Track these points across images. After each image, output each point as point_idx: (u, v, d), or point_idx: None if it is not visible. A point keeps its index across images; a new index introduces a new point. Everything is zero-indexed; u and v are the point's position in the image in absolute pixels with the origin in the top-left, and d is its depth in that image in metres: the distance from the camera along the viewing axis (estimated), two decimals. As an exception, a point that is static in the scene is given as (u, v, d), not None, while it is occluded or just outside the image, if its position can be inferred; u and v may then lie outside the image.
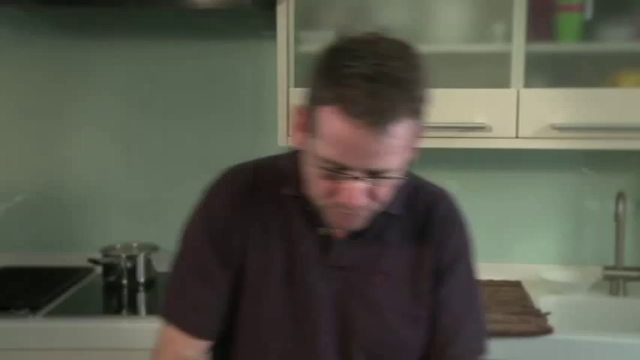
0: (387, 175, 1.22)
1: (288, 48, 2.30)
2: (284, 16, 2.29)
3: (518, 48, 2.24)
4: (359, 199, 1.23)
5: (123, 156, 2.68)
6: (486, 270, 2.53)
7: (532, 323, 2.13)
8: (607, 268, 2.48)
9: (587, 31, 2.30)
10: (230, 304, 1.38)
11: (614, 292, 2.47)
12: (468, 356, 1.44)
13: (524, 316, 2.19)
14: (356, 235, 1.36)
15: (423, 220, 1.41)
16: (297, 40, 2.32)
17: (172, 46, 2.48)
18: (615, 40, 2.28)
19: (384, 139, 1.17)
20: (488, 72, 2.34)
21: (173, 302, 1.40)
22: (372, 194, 1.24)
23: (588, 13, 2.31)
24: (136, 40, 2.63)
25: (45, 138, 2.73)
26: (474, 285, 1.46)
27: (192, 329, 1.37)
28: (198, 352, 1.38)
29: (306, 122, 1.24)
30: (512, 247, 2.65)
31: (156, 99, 2.66)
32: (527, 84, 2.25)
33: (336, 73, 1.17)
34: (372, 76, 1.15)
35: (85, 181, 2.70)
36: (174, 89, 2.64)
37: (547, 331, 2.09)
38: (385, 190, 1.25)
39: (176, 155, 2.67)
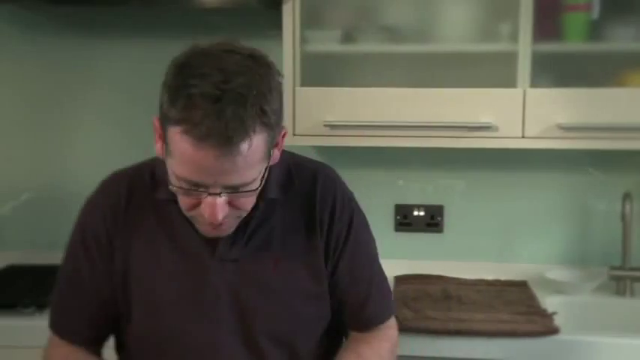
0: (245, 188, 1.22)
1: (294, 47, 2.30)
2: (290, 15, 2.29)
3: (525, 48, 2.24)
4: (220, 214, 1.23)
5: (127, 154, 2.67)
6: (492, 270, 2.56)
7: (538, 323, 2.13)
8: (613, 268, 2.47)
9: (594, 31, 2.29)
10: (122, 314, 1.40)
11: (620, 292, 2.47)
12: (381, 316, 1.48)
13: (531, 316, 2.19)
14: (241, 227, 1.36)
15: (306, 198, 1.41)
16: (303, 40, 2.32)
17: (177, 44, 2.43)
18: (622, 40, 2.27)
19: (233, 159, 1.17)
20: (495, 72, 2.33)
21: (52, 308, 1.46)
22: (233, 205, 1.25)
23: (595, 13, 2.30)
24: (140, 39, 2.64)
25: (49, 136, 2.74)
26: (370, 247, 1.47)
27: (63, 334, 1.43)
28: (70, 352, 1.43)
29: (162, 136, 1.24)
30: (519, 247, 2.64)
31: (161, 98, 2.66)
32: (534, 84, 2.25)
33: (180, 93, 1.15)
34: (215, 95, 1.14)
35: (91, 179, 2.69)
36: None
37: (553, 331, 2.09)
38: (247, 200, 1.26)
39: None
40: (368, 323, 1.46)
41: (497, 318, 2.17)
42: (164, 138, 1.22)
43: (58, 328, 1.43)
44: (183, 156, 1.17)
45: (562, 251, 2.62)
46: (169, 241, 1.36)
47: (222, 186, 1.20)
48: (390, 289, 1.50)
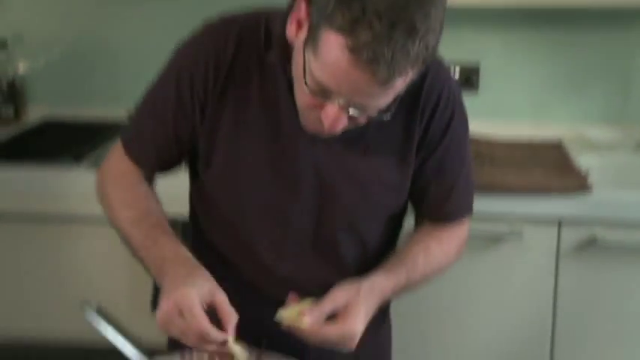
0: (375, 110, 1.18)
1: None
2: None
3: None
4: (338, 125, 1.18)
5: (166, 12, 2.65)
6: (527, 130, 2.54)
7: (571, 181, 2.13)
8: (652, 126, 2.44)
9: None
10: (201, 159, 1.38)
11: (657, 150, 2.43)
12: (459, 213, 1.45)
13: (564, 174, 2.18)
14: None
15: (411, 91, 1.30)
16: None
17: None
18: None
19: (384, 89, 1.12)
20: None
21: (130, 123, 1.45)
22: (353, 120, 1.19)
23: None
24: None
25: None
26: (464, 146, 1.42)
27: (132, 154, 1.42)
28: (134, 169, 1.43)
29: (309, 27, 1.15)
30: (556, 106, 2.60)
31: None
32: None
33: (353, 2, 1.06)
34: (391, 20, 1.05)
35: (126, 34, 2.69)
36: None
37: (586, 188, 2.09)
38: (367, 116, 1.20)
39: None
40: (445, 218, 1.44)
41: (531, 176, 2.16)
42: (312, 31, 1.13)
43: (128, 145, 1.42)
44: (334, 67, 1.10)
45: (601, 109, 2.58)
46: (266, 109, 1.32)
47: (355, 103, 1.15)
48: (472, 189, 1.46)
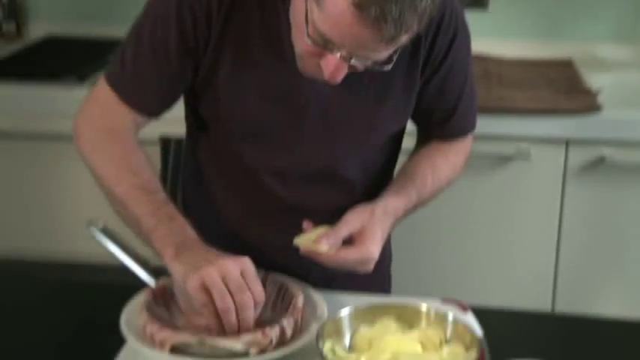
0: (376, 63, 1.15)
1: None
2: None
3: None
4: (339, 75, 1.15)
5: None
6: (537, 48, 2.50)
7: (580, 101, 2.10)
8: (664, 45, 2.40)
9: None
10: (200, 89, 1.33)
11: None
12: (463, 129, 1.45)
13: (573, 94, 2.15)
14: None
15: None
16: None
17: None
18: None
19: (388, 44, 1.09)
20: None
21: (118, 62, 1.33)
22: (353, 68, 1.15)
23: None
24: None
25: None
26: (467, 64, 1.40)
27: (129, 100, 1.32)
28: (128, 121, 1.33)
29: None
30: (566, 24, 2.55)
31: None
32: None
33: None
34: None
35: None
36: None
37: (596, 108, 2.07)
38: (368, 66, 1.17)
39: None
40: (450, 135, 1.44)
41: (538, 96, 2.14)
42: None
43: (124, 91, 1.32)
44: (338, 20, 1.07)
45: (612, 28, 2.53)
46: (268, 43, 1.28)
47: (358, 55, 1.12)
48: (476, 104, 1.45)
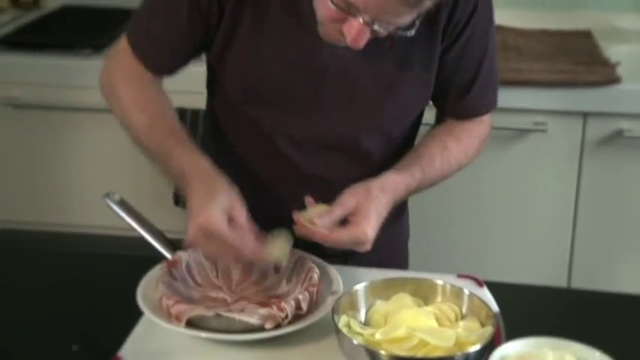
0: (397, 29, 1.13)
1: None
2: None
3: None
4: (362, 41, 1.13)
5: None
6: (554, 18, 2.47)
7: (599, 73, 2.08)
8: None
9: None
10: (216, 55, 1.33)
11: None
12: (478, 109, 1.41)
13: (592, 65, 2.13)
14: None
15: None
16: None
17: None
18: None
19: (410, 7, 1.08)
20: None
21: (135, 20, 1.37)
22: (375, 33, 1.14)
23: None
24: None
25: None
26: (487, 41, 1.36)
27: (142, 55, 1.35)
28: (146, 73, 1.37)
29: None
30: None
31: None
32: None
33: None
34: None
35: None
36: None
37: (615, 80, 2.04)
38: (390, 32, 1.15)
39: None
40: (464, 113, 1.41)
41: (557, 68, 2.12)
42: None
43: (139, 46, 1.35)
44: None
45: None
46: (287, 10, 1.26)
47: (381, 20, 1.11)
48: (495, 86, 1.41)
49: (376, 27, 1.12)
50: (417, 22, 1.15)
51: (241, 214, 1.17)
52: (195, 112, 1.95)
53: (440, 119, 1.44)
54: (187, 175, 1.23)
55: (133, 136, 1.33)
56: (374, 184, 1.26)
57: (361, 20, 1.11)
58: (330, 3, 1.12)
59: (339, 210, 1.22)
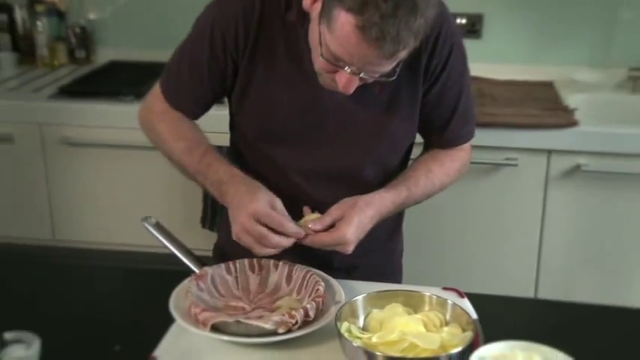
0: (382, 76, 1.14)
1: None
2: None
3: None
4: (351, 87, 1.14)
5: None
6: (523, 72, 2.47)
7: (560, 117, 2.07)
8: (632, 69, 2.36)
9: None
10: (235, 103, 1.34)
11: (636, 90, 2.36)
12: (458, 140, 1.40)
13: (555, 111, 2.12)
14: None
15: None
16: None
17: None
18: None
19: (390, 60, 1.09)
20: None
21: (166, 71, 1.38)
22: (363, 80, 1.15)
23: None
24: None
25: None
26: (463, 79, 1.35)
27: (171, 101, 1.36)
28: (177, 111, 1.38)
29: (323, 2, 1.10)
30: (547, 51, 2.51)
31: None
32: None
33: None
34: (394, 0, 1.01)
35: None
36: None
37: (574, 123, 2.04)
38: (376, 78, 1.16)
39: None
40: (446, 143, 1.40)
41: (526, 112, 2.11)
42: (325, 7, 1.09)
43: (167, 93, 1.37)
44: (344, 41, 1.07)
45: (587, 54, 2.49)
46: (292, 61, 1.27)
47: (365, 70, 1.12)
48: (472, 118, 1.41)
49: (362, 75, 1.12)
50: (398, 69, 1.15)
51: (281, 205, 1.20)
52: (218, 149, 1.94)
53: (427, 147, 1.44)
54: (226, 182, 1.25)
55: (175, 159, 1.35)
56: (361, 198, 1.26)
57: (349, 71, 1.12)
58: (321, 57, 1.13)
59: (328, 218, 1.23)
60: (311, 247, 1.23)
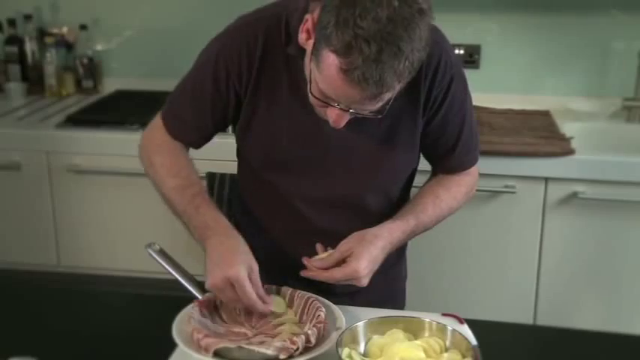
0: (372, 113, 1.14)
1: None
2: None
3: None
4: (341, 122, 1.15)
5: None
6: (520, 101, 2.48)
7: (557, 145, 2.07)
8: (627, 99, 2.37)
9: None
10: (239, 134, 1.35)
11: (631, 119, 2.37)
12: (462, 166, 1.40)
13: (551, 139, 2.13)
14: None
15: None
16: None
17: None
18: None
19: (375, 101, 1.09)
20: None
21: (168, 103, 1.38)
22: (355, 115, 1.15)
23: None
24: None
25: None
26: (465, 107, 1.35)
27: (172, 133, 1.36)
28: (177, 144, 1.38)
29: (314, 42, 1.10)
30: (544, 81, 2.52)
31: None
32: None
33: (348, 28, 1.01)
34: (379, 44, 1.01)
35: (184, 20, 2.65)
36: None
37: (570, 152, 2.04)
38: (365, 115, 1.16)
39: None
40: (452, 169, 1.40)
41: (522, 141, 2.11)
42: (315, 47, 1.10)
43: (169, 125, 1.37)
44: (331, 82, 1.08)
45: (582, 84, 2.49)
46: (294, 93, 1.27)
47: (353, 108, 1.12)
48: (476, 143, 1.40)
49: (352, 111, 1.13)
50: (387, 107, 1.14)
51: (256, 273, 1.18)
52: (223, 175, 1.95)
53: (434, 173, 1.43)
54: (211, 228, 1.23)
55: (165, 194, 1.33)
56: (369, 232, 1.25)
57: (338, 107, 1.12)
58: (310, 95, 1.15)
59: (337, 254, 1.23)
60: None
